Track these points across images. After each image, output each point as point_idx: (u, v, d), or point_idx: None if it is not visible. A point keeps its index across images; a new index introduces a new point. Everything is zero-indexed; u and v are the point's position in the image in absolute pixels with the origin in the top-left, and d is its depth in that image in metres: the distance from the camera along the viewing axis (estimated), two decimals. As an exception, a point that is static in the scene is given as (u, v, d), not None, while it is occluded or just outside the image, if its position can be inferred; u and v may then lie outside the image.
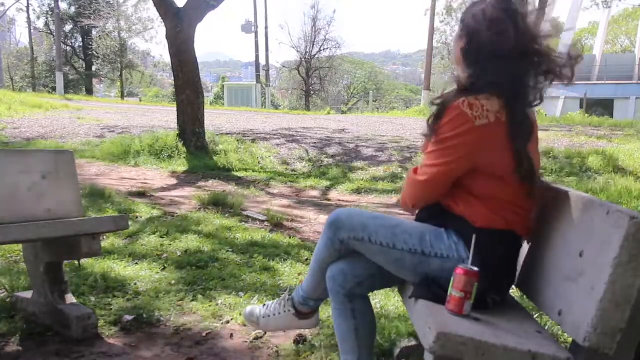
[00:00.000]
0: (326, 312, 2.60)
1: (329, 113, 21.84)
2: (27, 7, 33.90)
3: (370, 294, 1.89)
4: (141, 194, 5.91)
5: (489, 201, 1.64)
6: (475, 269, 1.51)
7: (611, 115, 20.77)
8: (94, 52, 34.08)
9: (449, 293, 1.52)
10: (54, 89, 29.66)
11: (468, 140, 1.58)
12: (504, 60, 1.61)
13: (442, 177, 1.66)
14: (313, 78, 35.93)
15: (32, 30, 34.82)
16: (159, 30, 33.47)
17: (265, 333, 2.49)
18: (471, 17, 1.68)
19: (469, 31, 1.68)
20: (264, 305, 2.05)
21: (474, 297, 1.50)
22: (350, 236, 1.71)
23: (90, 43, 34.62)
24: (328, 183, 7.77)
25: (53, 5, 28.56)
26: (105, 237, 3.77)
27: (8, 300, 2.71)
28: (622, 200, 6.37)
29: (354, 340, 1.80)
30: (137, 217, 4.67)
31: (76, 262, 3.11)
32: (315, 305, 1.98)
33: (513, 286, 1.78)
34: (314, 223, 5.07)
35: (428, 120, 1.67)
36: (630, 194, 6.58)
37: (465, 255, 1.63)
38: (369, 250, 1.71)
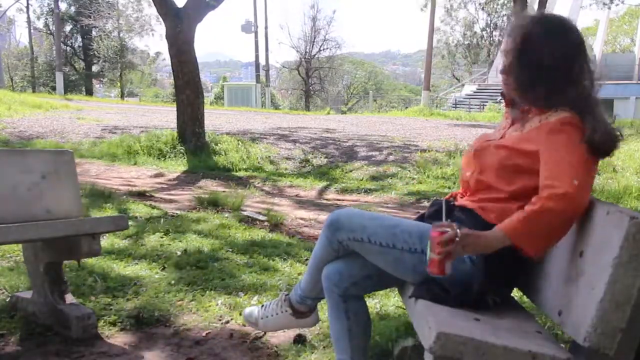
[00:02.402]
0: (326, 311, 2.59)
1: (328, 113, 21.83)
2: (27, 7, 33.91)
3: (369, 294, 1.88)
4: (141, 194, 5.91)
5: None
6: (449, 228, 1.48)
7: (611, 115, 20.74)
8: (94, 52, 34.05)
9: (428, 257, 1.51)
10: (53, 88, 29.62)
11: None
12: None
13: None
14: (313, 78, 35.93)
15: (32, 30, 34.83)
16: (157, 30, 33.34)
17: (265, 333, 2.49)
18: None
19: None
20: (262, 306, 2.05)
21: (454, 255, 1.49)
22: (350, 237, 1.70)
23: (90, 43, 34.57)
24: (328, 183, 7.77)
25: (53, 6, 28.54)
26: (105, 237, 3.77)
27: (8, 300, 2.71)
28: (622, 200, 6.37)
29: (347, 340, 1.80)
30: (137, 217, 4.66)
31: (76, 262, 3.11)
32: (312, 304, 1.98)
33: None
34: (314, 223, 5.07)
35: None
36: (631, 194, 6.58)
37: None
38: (368, 251, 1.69)
